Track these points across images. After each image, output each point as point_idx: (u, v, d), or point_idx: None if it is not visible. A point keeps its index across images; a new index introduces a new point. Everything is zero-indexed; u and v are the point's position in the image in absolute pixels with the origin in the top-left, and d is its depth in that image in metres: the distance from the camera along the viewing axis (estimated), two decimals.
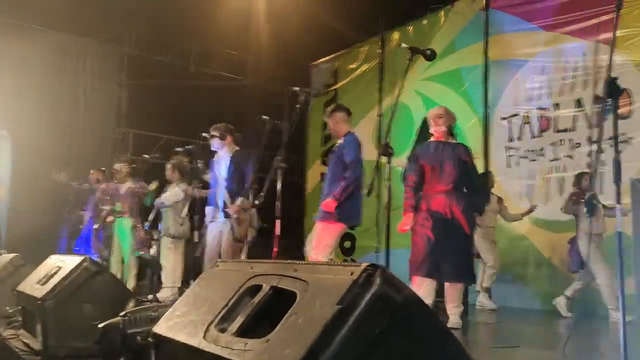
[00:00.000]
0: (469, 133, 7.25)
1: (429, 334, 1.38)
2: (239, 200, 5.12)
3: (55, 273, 3.21)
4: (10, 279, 4.23)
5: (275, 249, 3.76)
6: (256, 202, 3.84)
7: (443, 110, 4.68)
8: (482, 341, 4.52)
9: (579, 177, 5.67)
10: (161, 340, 1.86)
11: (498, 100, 7.34)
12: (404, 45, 2.96)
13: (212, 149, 5.48)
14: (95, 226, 6.97)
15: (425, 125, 5.08)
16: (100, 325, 2.54)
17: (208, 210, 5.45)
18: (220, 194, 5.33)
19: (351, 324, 1.26)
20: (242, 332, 1.54)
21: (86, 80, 9.28)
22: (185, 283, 6.11)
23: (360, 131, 9.37)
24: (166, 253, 6.37)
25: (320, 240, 4.47)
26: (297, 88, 3.69)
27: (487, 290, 6.40)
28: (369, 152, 8.83)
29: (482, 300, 6.36)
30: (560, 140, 6.63)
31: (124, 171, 7.08)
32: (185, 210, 6.37)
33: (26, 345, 3.27)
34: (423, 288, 4.30)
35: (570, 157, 6.49)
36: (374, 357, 1.28)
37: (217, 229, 5.32)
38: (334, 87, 9.91)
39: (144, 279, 7.08)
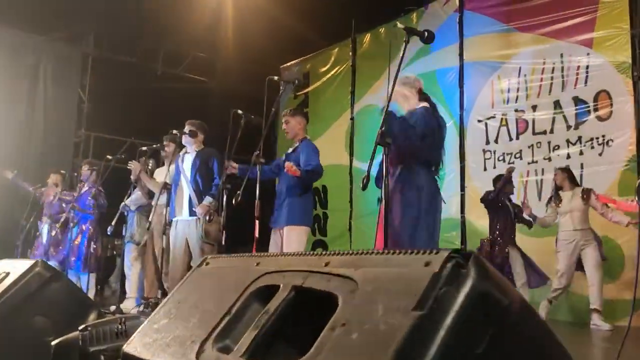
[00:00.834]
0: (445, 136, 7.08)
1: (541, 343, 1.03)
2: (206, 200, 4.84)
3: (2, 280, 2.76)
4: None
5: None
6: (233, 201, 3.54)
7: None
8: None
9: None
10: None
11: (474, 102, 7.20)
12: (399, 25, 2.74)
13: (182, 142, 5.17)
14: (53, 232, 6.53)
15: None
16: (54, 343, 2.11)
17: (169, 210, 5.08)
18: (186, 192, 5.00)
19: (442, 339, 0.86)
20: (255, 353, 1.12)
21: (45, 81, 8.84)
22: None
23: (332, 134, 9.28)
24: (131, 261, 6.01)
25: (291, 249, 4.14)
26: (276, 77, 3.43)
27: None
28: (339, 156, 8.71)
29: None
30: (538, 143, 6.52)
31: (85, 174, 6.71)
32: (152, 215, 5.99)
33: None
34: None
35: (548, 159, 6.39)
36: None
37: (182, 228, 4.96)
38: (304, 91, 9.65)
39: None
